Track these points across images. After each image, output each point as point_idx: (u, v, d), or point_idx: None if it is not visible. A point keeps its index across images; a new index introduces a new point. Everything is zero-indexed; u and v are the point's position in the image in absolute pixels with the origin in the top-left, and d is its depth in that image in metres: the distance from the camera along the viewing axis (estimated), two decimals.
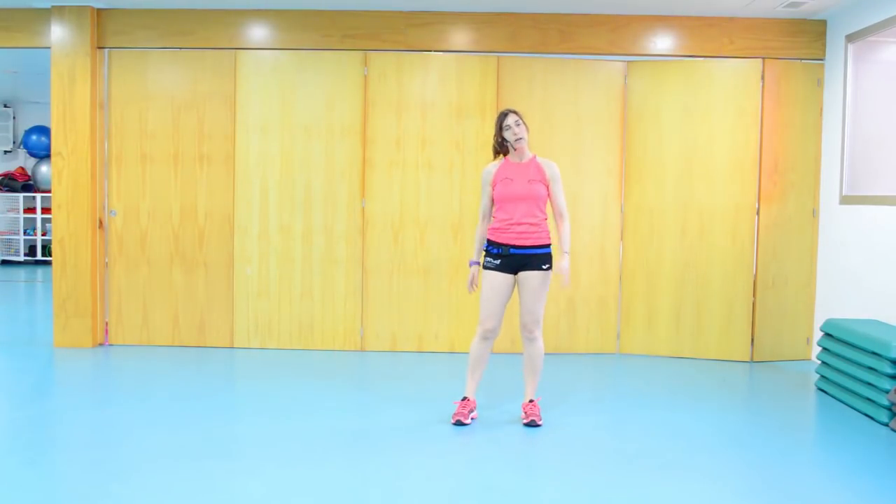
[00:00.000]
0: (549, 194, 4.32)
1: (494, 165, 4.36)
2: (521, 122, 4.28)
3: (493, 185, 4.30)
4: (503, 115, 4.30)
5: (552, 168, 4.34)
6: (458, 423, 4.26)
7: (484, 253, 4.35)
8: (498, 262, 4.25)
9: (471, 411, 4.32)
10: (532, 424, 4.28)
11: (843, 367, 4.84)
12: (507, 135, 4.27)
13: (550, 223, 4.37)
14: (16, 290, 9.97)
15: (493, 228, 4.30)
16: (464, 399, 4.34)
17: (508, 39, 6.11)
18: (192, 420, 4.31)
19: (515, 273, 4.27)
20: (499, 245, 4.25)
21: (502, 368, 5.28)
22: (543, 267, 4.25)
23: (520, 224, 4.22)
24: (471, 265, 4.41)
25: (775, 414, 4.72)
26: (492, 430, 4.25)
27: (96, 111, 6.10)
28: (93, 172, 6.07)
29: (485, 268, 4.31)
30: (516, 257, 4.23)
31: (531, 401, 4.37)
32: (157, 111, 6.15)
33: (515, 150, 4.29)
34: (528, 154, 4.33)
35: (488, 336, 4.31)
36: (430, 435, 4.15)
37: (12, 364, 5.68)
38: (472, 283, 4.40)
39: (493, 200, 4.33)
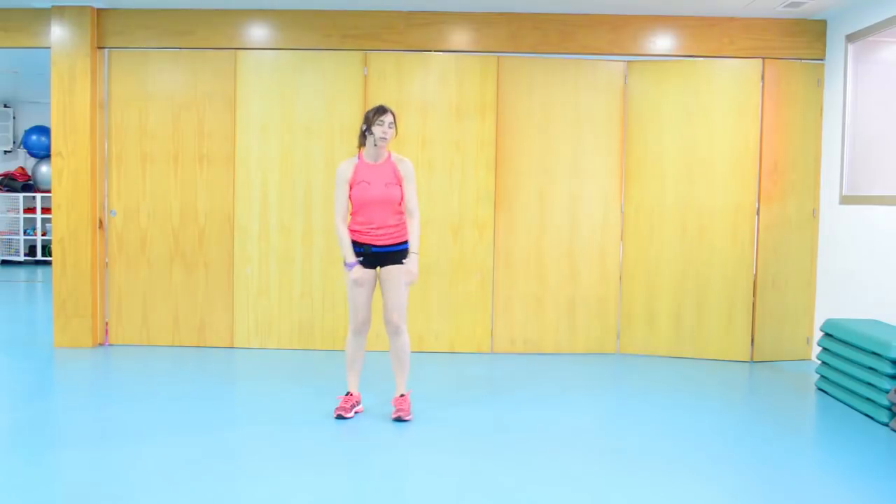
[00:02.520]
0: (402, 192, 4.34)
1: (350, 164, 4.33)
2: (394, 124, 4.28)
3: (351, 186, 4.30)
4: (382, 111, 4.24)
5: (406, 166, 4.34)
6: (340, 417, 4.35)
7: None
8: (360, 259, 4.35)
9: (353, 405, 4.44)
10: (399, 420, 4.33)
11: (843, 367, 4.84)
12: (376, 130, 4.22)
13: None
14: (16, 290, 9.97)
15: (354, 230, 4.35)
16: (347, 394, 4.46)
17: (508, 39, 6.11)
18: (191, 420, 4.31)
19: (376, 268, 4.38)
20: (360, 245, 4.34)
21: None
22: (403, 261, 4.35)
23: (380, 227, 4.31)
24: (350, 267, 4.33)
25: (775, 414, 4.72)
26: (493, 431, 4.26)
27: (96, 111, 6.10)
28: (93, 172, 6.07)
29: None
30: (377, 255, 4.34)
31: (402, 395, 4.43)
32: (157, 111, 6.15)
33: (376, 146, 4.26)
34: (384, 154, 4.32)
35: (361, 330, 4.43)
36: (429, 435, 4.15)
37: (12, 364, 5.67)
38: (357, 282, 4.34)
39: (350, 200, 4.35)
